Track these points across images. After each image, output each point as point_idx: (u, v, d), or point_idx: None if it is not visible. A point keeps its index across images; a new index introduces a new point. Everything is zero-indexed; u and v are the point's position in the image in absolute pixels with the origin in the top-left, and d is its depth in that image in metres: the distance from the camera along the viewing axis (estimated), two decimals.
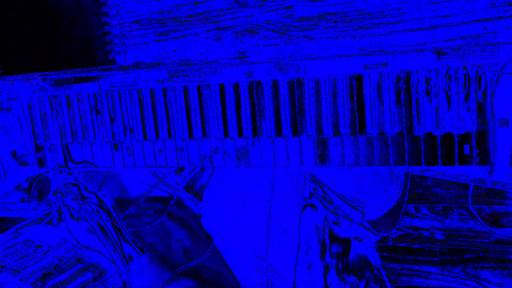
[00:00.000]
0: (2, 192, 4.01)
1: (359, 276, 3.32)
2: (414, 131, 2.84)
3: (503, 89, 2.65)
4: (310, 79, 2.96)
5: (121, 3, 3.06)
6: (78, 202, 3.89)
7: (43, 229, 4.05)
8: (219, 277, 3.68)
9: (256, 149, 3.19)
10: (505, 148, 2.72)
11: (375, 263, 3.26)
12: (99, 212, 3.85)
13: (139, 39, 3.09)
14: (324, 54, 2.78)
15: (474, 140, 2.75)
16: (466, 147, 2.77)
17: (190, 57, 3.03)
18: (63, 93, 3.50)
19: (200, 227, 3.66)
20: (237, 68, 3.06)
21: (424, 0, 2.53)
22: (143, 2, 3.01)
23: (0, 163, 3.85)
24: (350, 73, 2.88)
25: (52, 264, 3.98)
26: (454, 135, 2.77)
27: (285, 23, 2.78)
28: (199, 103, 3.23)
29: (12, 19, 3.27)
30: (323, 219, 3.31)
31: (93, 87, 3.44)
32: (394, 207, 3.14)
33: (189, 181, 3.62)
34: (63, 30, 3.18)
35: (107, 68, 3.23)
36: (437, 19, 2.54)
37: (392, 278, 3.28)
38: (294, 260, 3.44)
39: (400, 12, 2.58)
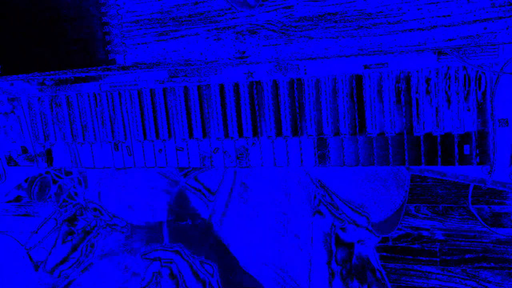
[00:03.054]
0: (2, 192, 4.01)
1: (362, 279, 3.32)
2: (414, 131, 2.84)
3: (503, 89, 2.65)
4: (310, 79, 2.96)
5: (121, 3, 3.06)
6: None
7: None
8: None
9: (256, 149, 3.19)
10: (505, 148, 2.72)
11: (377, 266, 3.26)
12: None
13: (139, 39, 3.09)
14: (324, 54, 2.78)
15: (474, 140, 2.75)
16: (466, 147, 2.77)
17: (190, 57, 3.03)
18: (63, 93, 3.50)
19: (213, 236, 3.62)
20: (237, 68, 3.06)
21: (424, 0, 2.54)
22: (143, 2, 3.01)
23: (0, 163, 3.85)
24: (350, 73, 2.88)
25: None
26: (454, 135, 2.77)
27: (285, 23, 2.78)
28: (199, 103, 3.23)
29: (12, 19, 3.27)
30: (330, 225, 3.31)
31: (93, 87, 3.44)
32: (397, 210, 3.15)
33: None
34: (63, 30, 3.18)
35: (107, 68, 3.23)
36: (437, 19, 2.54)
37: (392, 278, 3.28)
38: (307, 268, 3.43)
39: (400, 12, 2.58)
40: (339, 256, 3.33)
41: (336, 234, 3.30)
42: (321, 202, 3.27)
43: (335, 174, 3.20)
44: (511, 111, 2.67)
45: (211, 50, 2.97)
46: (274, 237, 3.45)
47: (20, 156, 3.79)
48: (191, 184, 3.64)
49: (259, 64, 3.00)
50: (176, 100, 3.27)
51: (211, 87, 3.17)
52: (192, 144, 3.34)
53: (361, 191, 3.17)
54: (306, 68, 2.93)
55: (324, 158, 3.06)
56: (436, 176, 2.97)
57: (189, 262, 3.70)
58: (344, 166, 3.03)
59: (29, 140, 3.72)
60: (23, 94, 3.61)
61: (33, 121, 3.66)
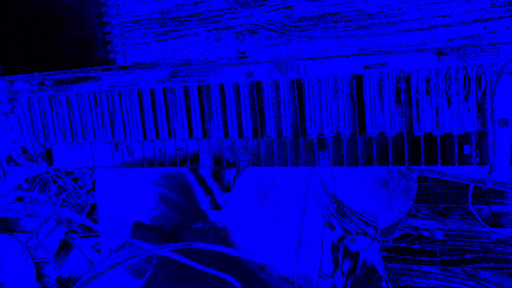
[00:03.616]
0: (2, 192, 4.02)
1: None
2: (414, 131, 2.84)
3: (503, 89, 2.65)
4: (310, 79, 2.96)
5: (121, 3, 3.06)
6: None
7: None
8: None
9: (256, 149, 3.19)
10: (505, 148, 2.72)
11: (384, 275, 3.26)
12: None
13: (139, 39, 3.09)
14: (324, 54, 2.78)
15: (474, 140, 2.75)
16: (466, 147, 2.77)
17: (190, 57, 3.03)
18: (63, 93, 3.50)
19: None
20: (237, 68, 3.06)
21: (424, 0, 2.54)
22: (143, 2, 3.01)
23: (0, 163, 3.85)
24: (350, 73, 2.88)
25: None
26: (454, 135, 2.77)
27: (285, 23, 2.78)
28: (199, 103, 3.23)
29: (12, 19, 3.27)
30: (339, 237, 3.32)
31: (93, 87, 3.44)
32: (403, 216, 3.17)
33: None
34: (63, 30, 3.18)
35: (107, 68, 3.23)
36: (437, 19, 2.54)
37: (392, 278, 3.28)
38: (316, 279, 3.43)
39: (400, 12, 2.58)
40: (345, 268, 3.34)
41: (344, 245, 3.31)
42: (333, 214, 3.28)
43: (348, 187, 3.22)
44: (511, 111, 2.67)
45: (211, 50, 2.97)
46: (285, 248, 3.45)
47: (20, 156, 3.80)
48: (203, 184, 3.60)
49: (259, 64, 3.00)
50: (176, 100, 3.27)
51: (211, 87, 3.17)
52: (192, 144, 3.34)
53: (371, 202, 3.19)
54: (306, 68, 2.93)
55: (324, 158, 3.06)
56: (436, 176, 2.97)
57: None
58: (344, 166, 3.03)
59: (29, 140, 3.72)
60: (23, 94, 3.62)
61: (33, 121, 3.66)
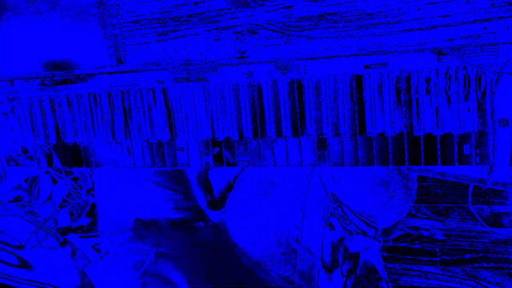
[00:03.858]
0: (2, 192, 4.01)
1: None
2: (414, 131, 2.84)
3: (503, 89, 2.65)
4: (310, 79, 2.96)
5: (121, 3, 3.06)
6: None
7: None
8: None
9: (256, 149, 3.19)
10: (505, 148, 2.72)
11: (384, 276, 3.26)
12: None
13: (139, 39, 3.09)
14: (324, 54, 2.78)
15: (474, 140, 2.75)
16: (466, 147, 2.77)
17: (190, 57, 3.03)
18: (63, 93, 3.50)
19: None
20: (237, 68, 3.06)
21: (424, 0, 2.54)
22: (143, 2, 3.01)
23: (0, 163, 3.85)
24: (350, 73, 2.88)
25: None
26: (454, 135, 2.77)
27: (285, 23, 2.78)
28: (199, 103, 3.23)
29: (12, 18, 3.27)
30: (339, 237, 3.32)
31: (93, 87, 3.44)
32: (404, 216, 3.17)
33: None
34: (63, 30, 3.18)
35: (107, 68, 3.23)
36: (437, 19, 2.54)
37: (392, 278, 3.28)
38: (316, 279, 3.43)
39: (400, 12, 2.58)
40: (345, 268, 3.34)
41: (344, 245, 3.31)
42: (333, 214, 3.29)
43: (348, 187, 3.22)
44: (511, 111, 2.67)
45: (211, 50, 2.97)
46: (285, 248, 3.45)
47: (20, 156, 3.80)
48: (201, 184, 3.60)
49: (259, 64, 3.00)
50: (176, 100, 3.27)
51: (211, 87, 3.17)
52: (192, 145, 3.34)
53: (371, 203, 3.19)
54: (306, 68, 2.93)
55: (324, 158, 3.07)
56: (436, 176, 2.97)
57: None
58: (344, 166, 3.03)
59: (29, 140, 3.72)
60: (23, 94, 3.62)
61: (33, 121, 3.66)
